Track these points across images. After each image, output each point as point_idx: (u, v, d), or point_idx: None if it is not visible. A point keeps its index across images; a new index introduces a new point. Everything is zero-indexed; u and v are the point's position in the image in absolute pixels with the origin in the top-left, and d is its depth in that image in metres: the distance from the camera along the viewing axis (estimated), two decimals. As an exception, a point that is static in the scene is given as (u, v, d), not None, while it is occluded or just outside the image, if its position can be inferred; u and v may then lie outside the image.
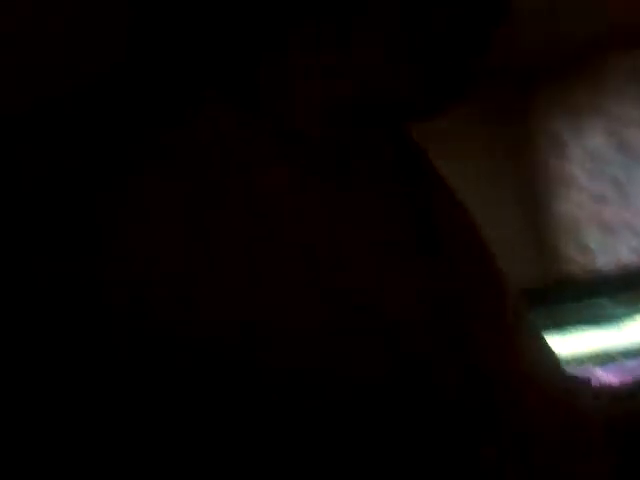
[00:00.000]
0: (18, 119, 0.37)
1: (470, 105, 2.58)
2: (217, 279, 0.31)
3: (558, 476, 0.42)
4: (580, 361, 2.22)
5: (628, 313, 2.26)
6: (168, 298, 0.31)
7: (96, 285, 0.30)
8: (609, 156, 2.60)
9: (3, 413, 0.33)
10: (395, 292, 0.38)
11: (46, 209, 0.31)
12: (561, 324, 2.26)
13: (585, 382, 0.76)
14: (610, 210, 2.60)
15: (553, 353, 0.50)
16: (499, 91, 2.73)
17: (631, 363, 2.18)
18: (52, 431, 0.33)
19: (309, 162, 0.38)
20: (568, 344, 2.23)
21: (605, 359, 2.21)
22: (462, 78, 0.36)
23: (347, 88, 0.37)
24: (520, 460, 0.38)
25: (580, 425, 0.48)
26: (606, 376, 2.20)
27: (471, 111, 2.57)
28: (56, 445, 0.34)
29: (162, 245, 0.31)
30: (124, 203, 0.32)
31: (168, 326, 0.30)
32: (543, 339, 0.51)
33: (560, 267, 2.73)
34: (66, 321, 0.30)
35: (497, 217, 2.59)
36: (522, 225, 2.73)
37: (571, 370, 2.15)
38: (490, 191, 2.57)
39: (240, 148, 0.35)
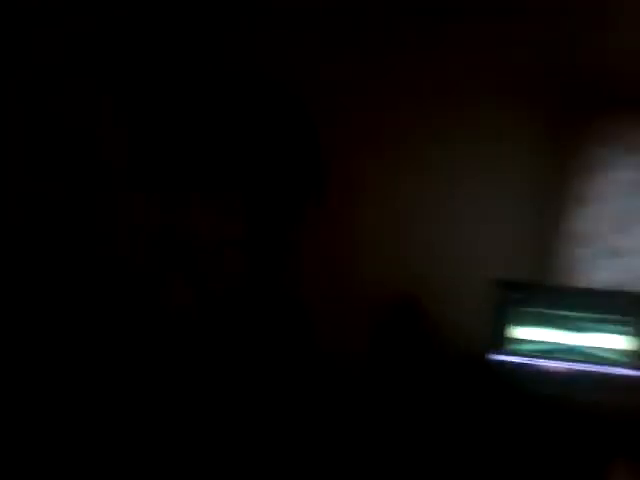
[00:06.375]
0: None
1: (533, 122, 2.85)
2: None
3: None
4: (542, 351, 2.62)
5: (594, 326, 2.61)
6: None
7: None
8: (632, 190, 2.87)
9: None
10: None
11: None
12: (541, 320, 2.64)
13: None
14: (612, 238, 2.89)
15: None
16: (562, 116, 2.99)
17: (582, 364, 2.58)
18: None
19: None
20: (538, 336, 2.62)
21: (560, 354, 2.60)
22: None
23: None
24: None
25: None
26: (553, 367, 2.60)
27: (531, 125, 2.85)
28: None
29: None
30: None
31: None
32: None
33: (553, 276, 3.06)
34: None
35: (519, 222, 2.91)
36: (535, 233, 3.05)
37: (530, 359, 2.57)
38: (520, 199, 2.89)
39: None
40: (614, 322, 2.60)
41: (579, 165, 3.05)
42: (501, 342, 2.63)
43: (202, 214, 0.54)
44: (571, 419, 2.30)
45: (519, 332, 2.65)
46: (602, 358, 2.59)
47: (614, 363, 2.57)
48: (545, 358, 2.62)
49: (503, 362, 2.61)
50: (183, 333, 0.56)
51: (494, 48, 2.45)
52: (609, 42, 2.40)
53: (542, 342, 2.65)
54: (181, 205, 0.56)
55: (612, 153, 2.95)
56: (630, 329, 2.56)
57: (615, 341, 2.59)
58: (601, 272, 2.91)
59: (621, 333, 2.58)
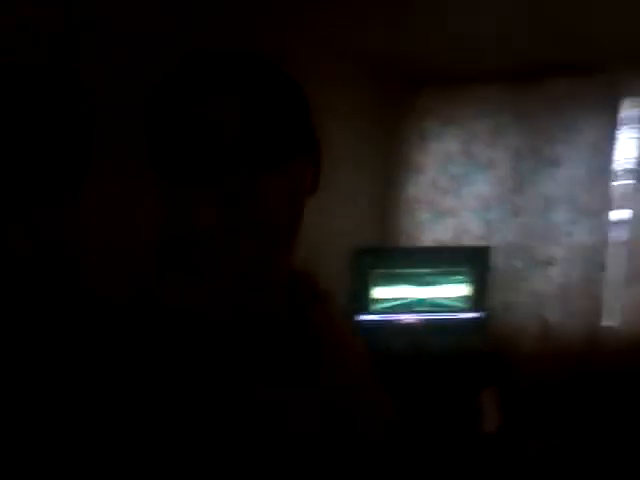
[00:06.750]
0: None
1: (364, 97, 3.05)
2: None
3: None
4: (397, 307, 2.86)
5: (438, 279, 2.92)
6: None
7: None
8: (456, 158, 3.24)
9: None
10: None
11: None
12: (390, 280, 2.88)
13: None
14: (444, 199, 3.25)
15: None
16: (391, 91, 3.26)
17: (429, 313, 2.88)
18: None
19: None
20: (393, 294, 2.86)
21: (412, 307, 2.87)
22: None
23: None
24: None
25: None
26: (409, 318, 2.85)
27: (363, 100, 3.06)
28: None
29: None
30: None
31: None
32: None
33: (397, 238, 3.34)
34: None
35: (357, 193, 3.12)
36: (376, 200, 3.30)
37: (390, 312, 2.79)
38: (355, 169, 3.09)
39: None
40: (453, 273, 2.94)
41: (410, 138, 3.36)
42: (361, 303, 2.82)
43: (198, 205, 0.49)
44: (430, 363, 2.56)
45: (376, 292, 2.86)
46: (447, 306, 2.91)
47: (457, 309, 2.91)
48: (400, 313, 2.87)
49: (365, 321, 2.80)
50: (186, 332, 0.52)
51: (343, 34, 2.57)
52: (424, 27, 2.66)
53: (396, 299, 2.90)
54: (179, 198, 0.51)
55: (437, 126, 3.29)
56: (466, 278, 2.92)
57: (456, 290, 2.92)
58: (437, 231, 3.26)
59: (460, 282, 2.93)
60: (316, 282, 0.79)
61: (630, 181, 2.88)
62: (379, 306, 2.86)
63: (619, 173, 2.90)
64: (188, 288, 0.61)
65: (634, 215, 2.83)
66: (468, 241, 3.17)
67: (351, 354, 0.75)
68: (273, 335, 0.66)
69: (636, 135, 2.85)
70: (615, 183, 2.87)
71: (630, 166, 2.88)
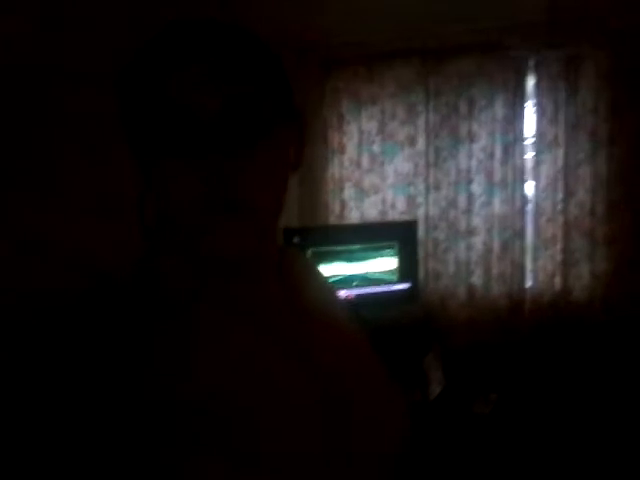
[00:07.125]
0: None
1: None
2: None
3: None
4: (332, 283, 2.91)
5: (368, 254, 3.01)
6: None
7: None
8: (375, 137, 3.34)
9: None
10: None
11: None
12: (322, 258, 2.92)
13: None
14: (367, 177, 3.35)
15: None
16: (306, 74, 3.27)
17: (362, 288, 2.96)
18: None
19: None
20: (326, 271, 2.90)
21: (346, 283, 2.94)
22: None
23: None
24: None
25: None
26: (346, 294, 2.92)
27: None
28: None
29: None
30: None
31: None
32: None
33: (325, 217, 3.40)
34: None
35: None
36: (302, 181, 3.33)
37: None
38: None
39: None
40: (383, 248, 3.04)
41: (329, 120, 3.41)
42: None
43: (180, 184, 0.47)
44: (371, 335, 2.64)
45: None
46: (379, 280, 3.01)
47: (389, 282, 3.02)
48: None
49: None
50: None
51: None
52: (334, 7, 2.72)
53: (329, 276, 2.95)
54: (158, 179, 0.48)
55: (354, 107, 3.37)
56: (395, 252, 3.03)
57: (386, 264, 3.03)
58: (363, 208, 3.35)
59: (389, 256, 3.04)
60: (304, 259, 0.80)
61: (531, 154, 3.12)
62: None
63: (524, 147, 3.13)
64: (177, 269, 0.59)
65: (536, 186, 3.08)
66: (392, 216, 3.29)
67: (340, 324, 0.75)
68: (264, 306, 0.65)
69: (534, 111, 3.09)
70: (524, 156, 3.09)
71: (530, 140, 3.12)
